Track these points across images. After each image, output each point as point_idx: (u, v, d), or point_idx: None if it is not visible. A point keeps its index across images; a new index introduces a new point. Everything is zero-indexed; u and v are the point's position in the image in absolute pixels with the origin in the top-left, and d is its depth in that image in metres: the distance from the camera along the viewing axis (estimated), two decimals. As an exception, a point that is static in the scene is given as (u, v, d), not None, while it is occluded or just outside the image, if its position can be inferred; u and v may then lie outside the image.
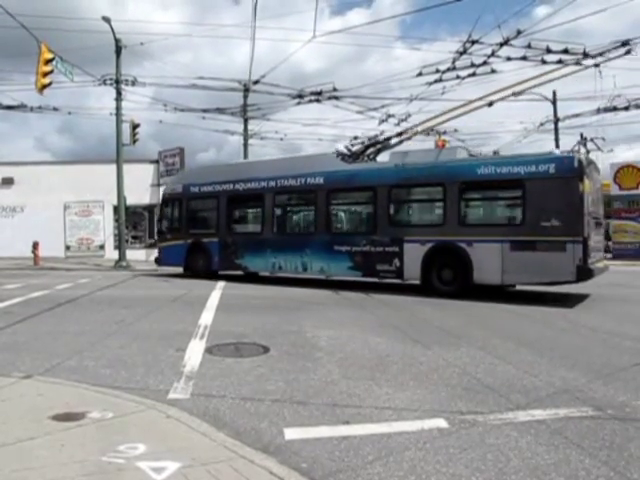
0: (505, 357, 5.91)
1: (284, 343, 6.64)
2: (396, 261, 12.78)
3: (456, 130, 26.43)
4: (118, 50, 22.20)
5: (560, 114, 27.53)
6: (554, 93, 27.28)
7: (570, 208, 10.78)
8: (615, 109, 22.89)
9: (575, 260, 10.63)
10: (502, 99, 13.85)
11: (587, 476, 3.03)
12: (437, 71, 17.99)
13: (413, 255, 12.48)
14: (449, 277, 12.11)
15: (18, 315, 8.74)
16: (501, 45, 16.09)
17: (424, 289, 12.27)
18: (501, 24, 26.08)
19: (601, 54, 14.62)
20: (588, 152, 12.51)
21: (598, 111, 23.72)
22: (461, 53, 16.86)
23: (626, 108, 22.60)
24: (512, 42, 16.00)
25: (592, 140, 12.85)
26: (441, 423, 3.86)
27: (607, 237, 37.32)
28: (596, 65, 14.87)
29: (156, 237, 18.64)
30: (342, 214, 15.06)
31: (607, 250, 31.90)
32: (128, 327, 7.83)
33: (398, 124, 23.70)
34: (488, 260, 11.50)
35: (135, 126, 22.45)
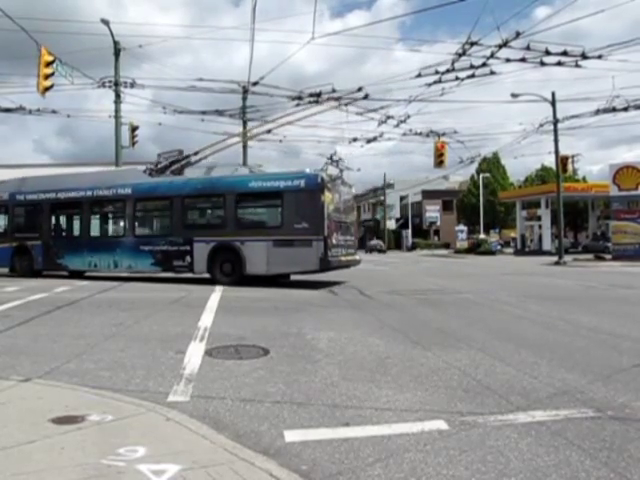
0: (505, 358, 5.90)
1: (284, 345, 6.64)
2: (188, 258, 15.42)
3: (456, 132, 26.51)
4: (117, 52, 22.27)
5: (560, 115, 27.54)
6: (553, 94, 27.31)
7: (314, 214, 13.90)
8: (614, 110, 22.92)
9: (318, 254, 13.77)
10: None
11: (587, 477, 3.03)
12: (436, 72, 18.05)
13: (201, 252, 15.19)
14: (229, 270, 14.96)
15: (17, 318, 8.72)
16: (500, 47, 16.15)
17: (212, 280, 14.88)
18: (500, 26, 26.14)
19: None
20: (341, 170, 16.41)
21: (597, 112, 23.74)
22: (460, 55, 16.91)
23: (625, 109, 22.64)
24: (511, 44, 16.06)
25: (339, 161, 16.52)
26: (441, 425, 3.85)
27: (606, 238, 37.41)
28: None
29: None
30: (146, 219, 17.88)
31: (606, 251, 31.98)
32: (127, 330, 7.82)
33: (397, 125, 23.84)
34: (256, 255, 14.45)
35: (134, 128, 22.50)
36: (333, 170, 15.93)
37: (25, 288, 13.59)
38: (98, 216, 17.58)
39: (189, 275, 15.77)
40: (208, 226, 16.04)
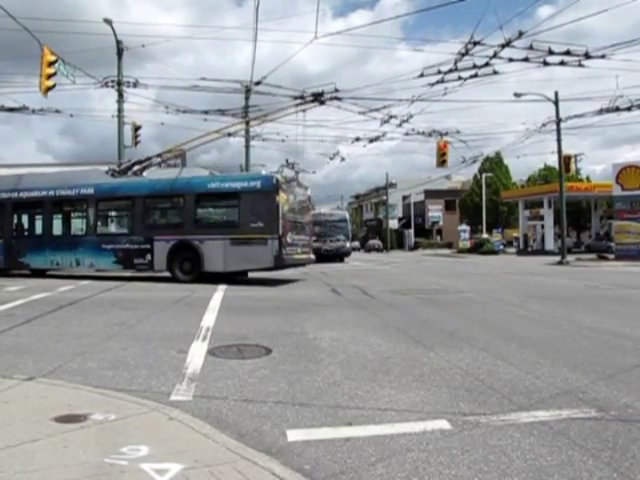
0: (507, 358, 5.90)
1: (286, 345, 6.64)
2: (148, 256, 15.87)
3: (458, 131, 26.48)
4: (120, 52, 22.30)
5: (562, 115, 27.47)
6: (556, 94, 27.25)
7: (270, 214, 14.48)
8: (617, 109, 22.85)
9: (273, 252, 14.36)
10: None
11: (590, 477, 3.02)
12: (439, 72, 18.02)
13: (161, 251, 15.67)
14: (188, 267, 15.49)
15: (20, 317, 8.75)
16: (503, 46, 16.11)
17: (172, 278, 15.51)
18: (503, 25, 26.10)
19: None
20: (297, 172, 17.46)
21: (600, 111, 23.67)
22: (463, 54, 16.89)
23: (628, 109, 22.57)
24: (514, 43, 16.02)
25: (294, 164, 17.74)
26: (444, 424, 3.85)
27: (609, 238, 37.33)
28: None
29: None
30: (108, 218, 18.34)
31: (609, 251, 31.90)
32: (130, 329, 7.83)
33: (400, 125, 23.82)
34: (215, 254, 14.97)
35: (137, 128, 22.53)
36: (289, 172, 17.03)
37: (27, 287, 13.62)
38: (60, 215, 17.86)
39: (149, 273, 16.44)
40: (168, 225, 16.52)
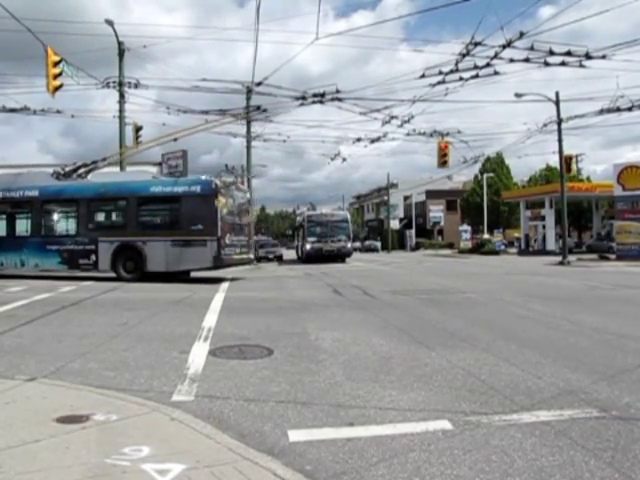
0: (509, 358, 5.89)
1: (288, 345, 6.64)
2: (93, 256, 16.50)
3: (459, 131, 26.48)
4: (121, 53, 22.31)
5: (564, 115, 27.43)
6: (557, 94, 27.21)
7: (209, 216, 15.32)
8: (618, 110, 22.82)
9: (212, 253, 15.20)
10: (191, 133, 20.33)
11: (592, 478, 3.02)
12: (440, 73, 18.02)
13: (105, 251, 16.30)
14: (132, 267, 16.14)
15: (22, 318, 8.76)
16: (504, 47, 16.10)
17: (116, 278, 16.06)
18: (504, 25, 26.05)
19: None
20: (236, 177, 19.12)
21: (601, 112, 23.65)
22: (464, 55, 16.89)
23: (629, 109, 22.54)
24: (515, 44, 16.00)
25: (233, 168, 20.11)
26: (445, 424, 3.85)
27: (610, 238, 37.27)
28: None
29: None
30: (53, 220, 18.44)
31: (611, 251, 31.86)
32: (131, 329, 7.84)
33: (401, 125, 23.83)
34: (157, 254, 15.71)
35: (138, 128, 22.53)
36: (228, 177, 18.34)
37: (30, 288, 13.64)
38: (5, 217, 18.21)
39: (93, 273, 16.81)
40: (112, 227, 17.28)
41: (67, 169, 18.67)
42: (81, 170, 18.69)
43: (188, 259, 15.56)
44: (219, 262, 15.57)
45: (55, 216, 18.50)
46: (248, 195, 19.91)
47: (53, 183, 17.82)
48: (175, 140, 20.14)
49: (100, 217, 17.80)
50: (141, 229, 16.22)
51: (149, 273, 15.97)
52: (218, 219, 15.39)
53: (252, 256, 19.25)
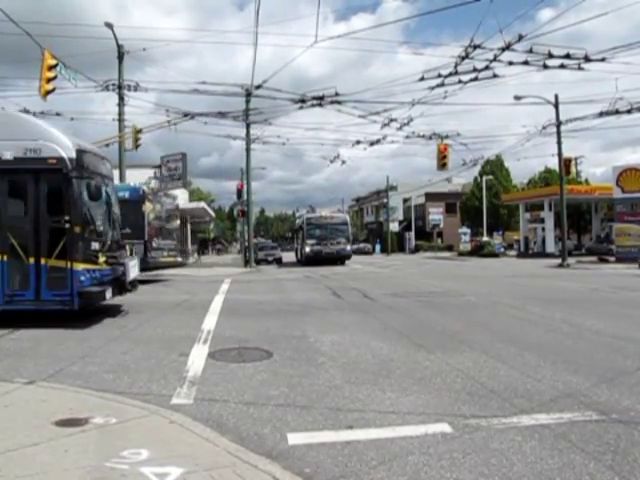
0: (508, 361, 5.89)
1: (287, 348, 6.64)
2: None
3: (459, 134, 26.48)
4: (121, 56, 22.31)
5: (563, 117, 27.45)
6: (556, 97, 27.24)
7: (136, 221, 16.10)
8: (617, 112, 22.83)
9: (139, 255, 15.10)
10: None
11: (592, 481, 3.02)
12: (439, 76, 18.03)
13: None
14: None
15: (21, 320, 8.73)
16: (503, 50, 16.10)
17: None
18: (504, 28, 26.03)
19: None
20: (165, 183, 20.16)
21: (600, 114, 23.66)
22: (463, 58, 16.89)
23: (628, 111, 22.55)
24: (514, 46, 16.00)
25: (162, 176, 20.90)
26: (445, 428, 3.85)
27: (610, 240, 37.30)
28: None
29: None
30: None
31: (610, 253, 31.86)
32: (131, 332, 7.83)
33: (400, 128, 23.84)
34: None
35: (138, 131, 22.50)
36: (156, 184, 19.52)
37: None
38: None
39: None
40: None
41: None
42: None
43: None
44: (145, 264, 16.00)
45: None
46: (176, 202, 21.42)
47: None
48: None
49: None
50: None
51: None
52: (145, 224, 16.56)
53: (180, 259, 20.32)
